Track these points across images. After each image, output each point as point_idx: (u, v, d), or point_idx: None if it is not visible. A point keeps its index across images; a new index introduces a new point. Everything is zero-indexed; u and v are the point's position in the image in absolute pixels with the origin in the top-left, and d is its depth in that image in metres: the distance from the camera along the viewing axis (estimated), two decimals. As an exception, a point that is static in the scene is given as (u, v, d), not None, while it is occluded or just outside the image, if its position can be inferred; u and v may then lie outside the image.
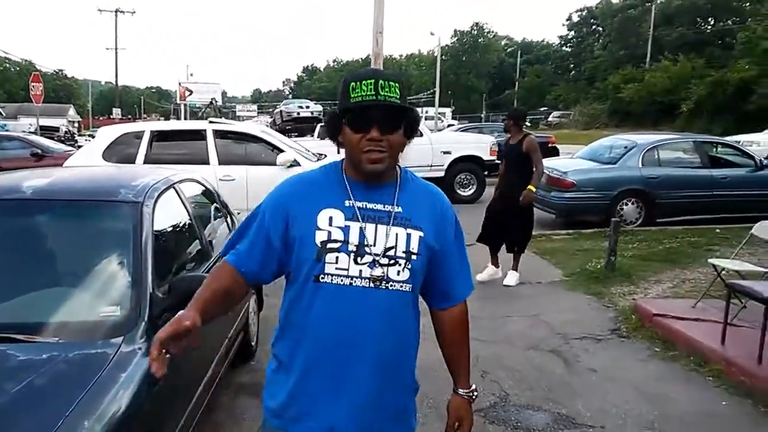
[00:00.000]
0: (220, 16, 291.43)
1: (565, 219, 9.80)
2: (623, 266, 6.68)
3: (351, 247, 1.58)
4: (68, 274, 2.59)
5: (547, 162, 10.60)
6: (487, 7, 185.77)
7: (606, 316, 5.46)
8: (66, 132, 37.66)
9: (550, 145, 17.62)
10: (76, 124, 59.15)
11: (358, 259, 1.58)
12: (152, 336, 2.32)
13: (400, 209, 1.63)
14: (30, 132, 20.47)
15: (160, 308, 2.42)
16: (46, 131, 34.33)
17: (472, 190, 12.69)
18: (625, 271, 6.58)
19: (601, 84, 53.32)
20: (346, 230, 1.59)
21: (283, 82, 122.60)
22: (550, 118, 57.36)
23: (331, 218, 1.59)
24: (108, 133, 8.18)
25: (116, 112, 45.42)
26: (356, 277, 1.58)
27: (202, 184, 4.01)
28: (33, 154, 11.25)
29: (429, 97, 57.05)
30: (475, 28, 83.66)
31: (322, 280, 1.59)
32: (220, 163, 7.72)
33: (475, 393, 1.82)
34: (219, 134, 8.01)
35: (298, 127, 23.24)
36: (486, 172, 12.71)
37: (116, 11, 40.28)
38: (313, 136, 16.62)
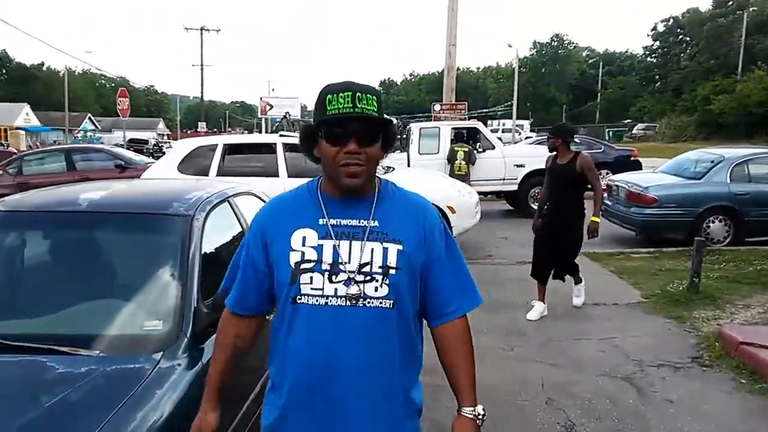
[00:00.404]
0: (299, 32, 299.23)
1: (646, 236, 9.31)
2: (708, 289, 6.23)
3: (324, 266, 1.55)
4: (115, 286, 2.59)
5: (628, 176, 10.21)
6: (568, 18, 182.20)
7: (687, 342, 5.08)
8: (154, 144, 39.52)
9: (632, 158, 16.91)
10: (165, 137, 61.91)
11: (333, 277, 1.55)
12: (194, 352, 2.31)
13: (376, 223, 1.59)
14: (117, 144, 21.52)
15: (203, 324, 2.36)
16: (136, 144, 36.29)
17: (546, 205, 12.30)
18: (709, 294, 6.13)
19: (689, 95, 51.20)
20: (319, 249, 1.57)
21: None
22: (634, 131, 55.43)
23: (304, 238, 1.58)
24: (183, 146, 8.45)
25: (201, 126, 47.12)
26: (331, 296, 1.55)
27: (261, 199, 3.99)
28: (117, 166, 11.80)
29: (506, 109, 56.28)
30: (555, 39, 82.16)
31: (299, 302, 1.57)
32: (289, 176, 7.80)
33: (483, 414, 1.66)
34: (289, 147, 8.10)
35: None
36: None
37: (201, 29, 41.83)
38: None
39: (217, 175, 7.74)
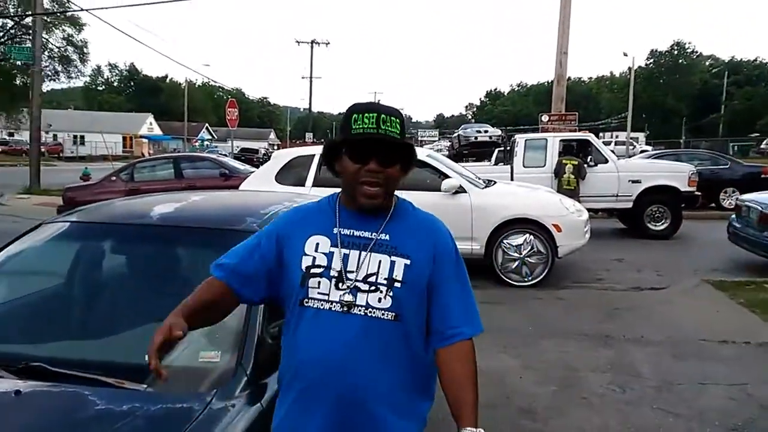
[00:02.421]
0: (406, 44, 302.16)
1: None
2: None
3: (333, 273, 1.60)
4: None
5: (760, 196, 9.17)
6: (689, 25, 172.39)
7: (838, 394, 4.30)
8: (264, 154, 40.92)
9: (762, 175, 15.44)
10: (276, 147, 64.16)
11: (340, 284, 1.60)
12: (254, 389, 2.03)
13: (387, 237, 1.63)
14: (222, 154, 22.32)
15: (266, 354, 2.08)
16: (247, 153, 37.67)
17: (664, 225, 11.37)
18: None
19: (829, 107, 46.75)
20: (330, 256, 1.62)
21: (466, 106, 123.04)
22: (762, 146, 51.25)
23: (317, 244, 1.64)
24: (282, 156, 8.41)
25: (308, 136, 48.40)
26: (336, 302, 1.59)
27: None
28: (221, 174, 12.12)
29: (620, 121, 53.80)
30: (675, 47, 77.91)
31: (306, 304, 1.62)
32: (384, 188, 7.53)
33: None
34: None
35: (475, 151, 22.76)
36: (683, 205, 11.35)
37: (312, 42, 42.95)
38: (490, 161, 16.06)
39: (314, 186, 7.62)
